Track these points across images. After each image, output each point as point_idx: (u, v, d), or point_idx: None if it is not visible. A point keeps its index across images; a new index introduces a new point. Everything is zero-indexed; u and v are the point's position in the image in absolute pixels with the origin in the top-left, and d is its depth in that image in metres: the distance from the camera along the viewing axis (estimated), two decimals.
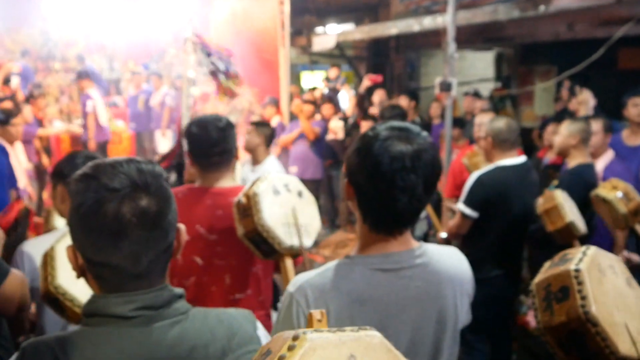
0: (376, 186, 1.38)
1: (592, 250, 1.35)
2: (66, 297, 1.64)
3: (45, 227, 2.78)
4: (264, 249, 2.05)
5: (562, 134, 3.59)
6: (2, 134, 4.44)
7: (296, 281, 1.44)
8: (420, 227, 5.61)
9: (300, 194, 2.18)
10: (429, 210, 4.19)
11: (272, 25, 8.27)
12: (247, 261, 2.29)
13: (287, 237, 2.01)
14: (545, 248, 3.31)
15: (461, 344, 1.57)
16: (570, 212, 3.01)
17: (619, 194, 3.10)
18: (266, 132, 4.52)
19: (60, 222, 2.30)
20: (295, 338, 0.79)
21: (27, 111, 6.70)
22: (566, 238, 3.05)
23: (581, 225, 3.05)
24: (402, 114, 5.09)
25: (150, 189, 1.10)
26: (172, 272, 2.21)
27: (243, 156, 4.62)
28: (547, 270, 1.36)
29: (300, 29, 11.01)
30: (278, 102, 7.98)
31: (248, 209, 2.00)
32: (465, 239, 3.43)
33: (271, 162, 4.53)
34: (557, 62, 8.24)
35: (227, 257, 2.30)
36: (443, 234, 3.59)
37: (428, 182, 1.39)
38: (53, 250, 1.72)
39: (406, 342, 1.42)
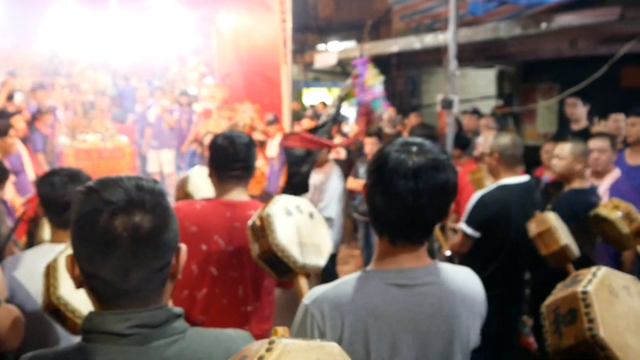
0: (391, 202, 1.39)
1: (603, 271, 1.33)
2: (67, 309, 1.66)
3: (37, 239, 2.79)
4: (279, 269, 2.07)
5: (565, 158, 3.46)
6: (0, 145, 4.50)
7: (311, 294, 1.45)
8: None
9: (311, 215, 2.22)
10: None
11: (274, 43, 8.31)
12: (261, 274, 2.33)
13: (301, 256, 2.04)
14: (543, 270, 3.28)
15: None
16: (564, 235, 2.97)
17: (619, 213, 3.07)
18: None
19: (48, 234, 2.31)
20: (271, 342, 0.92)
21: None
22: (560, 262, 3.00)
23: (575, 248, 3.01)
24: (432, 135, 5.10)
25: (145, 205, 1.11)
26: (184, 283, 2.27)
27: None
28: (557, 293, 1.34)
29: (302, 47, 11.06)
30: (279, 119, 8.00)
31: (262, 230, 2.04)
32: (467, 257, 3.40)
33: (332, 165, 5.34)
34: (560, 80, 8.25)
35: (241, 269, 2.34)
36: (447, 252, 3.57)
37: (443, 196, 1.40)
38: (56, 261, 1.74)
39: (416, 359, 1.41)
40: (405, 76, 10.70)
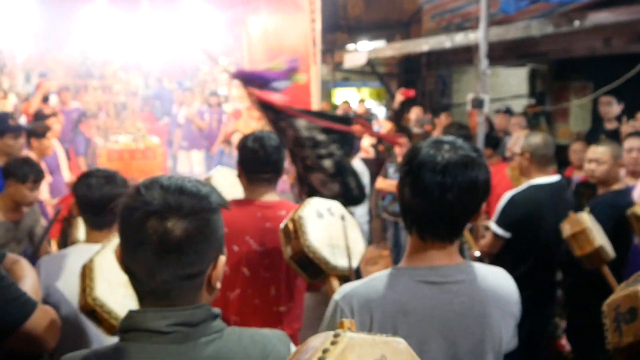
0: (418, 195, 1.40)
1: None
2: (104, 310, 1.68)
3: (70, 239, 2.84)
4: (311, 271, 2.09)
5: (605, 162, 3.34)
6: (37, 147, 4.58)
7: (342, 290, 1.47)
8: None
9: (343, 218, 2.22)
10: None
11: (303, 43, 8.33)
12: (293, 274, 2.34)
13: (333, 257, 2.05)
14: (576, 271, 3.23)
15: None
16: (599, 236, 2.92)
17: None
18: None
19: (82, 234, 2.34)
20: (336, 335, 0.89)
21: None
22: (595, 263, 2.95)
23: (610, 250, 2.95)
24: (468, 135, 4.93)
25: (182, 210, 1.11)
26: None
27: None
28: (618, 291, 1.35)
29: (332, 46, 11.06)
30: None
31: (294, 232, 2.06)
32: (497, 258, 3.37)
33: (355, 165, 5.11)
34: (593, 78, 8.09)
35: (273, 269, 2.35)
36: (477, 253, 3.54)
37: (472, 193, 1.40)
38: (92, 262, 1.76)
39: (446, 358, 1.41)
40: (435, 75, 10.63)
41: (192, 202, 1.12)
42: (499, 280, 1.52)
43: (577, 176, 4.89)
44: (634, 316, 1.26)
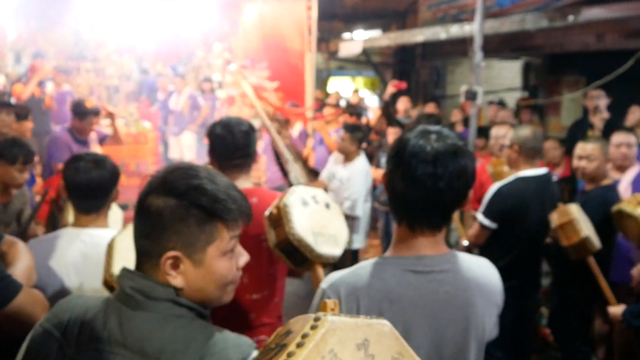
0: (411, 186, 1.41)
1: None
2: None
3: (61, 222, 2.83)
4: (296, 258, 2.08)
5: (597, 158, 3.34)
6: (17, 129, 4.52)
7: (329, 279, 1.49)
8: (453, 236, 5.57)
9: (327, 206, 2.22)
10: (454, 217, 4.16)
11: (299, 30, 8.30)
12: (266, 261, 2.32)
13: (317, 245, 2.05)
14: (564, 263, 3.27)
15: None
16: (586, 227, 2.95)
17: None
18: (359, 136, 5.17)
19: (72, 217, 2.32)
20: (316, 319, 0.85)
21: None
22: (581, 253, 3.00)
23: (596, 241, 2.99)
24: (438, 121, 5.11)
25: (162, 188, 1.20)
26: None
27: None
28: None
29: (327, 35, 11.02)
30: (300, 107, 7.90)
31: (279, 219, 2.05)
32: (484, 248, 3.41)
33: (361, 161, 5.19)
34: (586, 73, 8.13)
35: None
36: (465, 242, 3.58)
37: (462, 180, 1.42)
38: (114, 241, 1.86)
39: (430, 345, 1.43)
40: (430, 66, 10.63)
41: (175, 185, 1.19)
42: (483, 270, 1.55)
43: (556, 173, 4.95)
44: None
